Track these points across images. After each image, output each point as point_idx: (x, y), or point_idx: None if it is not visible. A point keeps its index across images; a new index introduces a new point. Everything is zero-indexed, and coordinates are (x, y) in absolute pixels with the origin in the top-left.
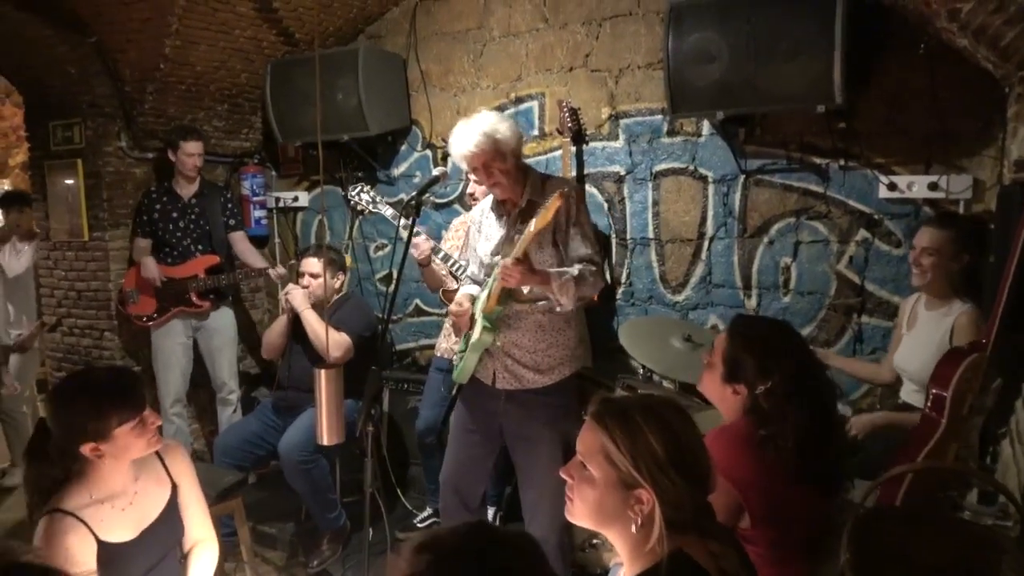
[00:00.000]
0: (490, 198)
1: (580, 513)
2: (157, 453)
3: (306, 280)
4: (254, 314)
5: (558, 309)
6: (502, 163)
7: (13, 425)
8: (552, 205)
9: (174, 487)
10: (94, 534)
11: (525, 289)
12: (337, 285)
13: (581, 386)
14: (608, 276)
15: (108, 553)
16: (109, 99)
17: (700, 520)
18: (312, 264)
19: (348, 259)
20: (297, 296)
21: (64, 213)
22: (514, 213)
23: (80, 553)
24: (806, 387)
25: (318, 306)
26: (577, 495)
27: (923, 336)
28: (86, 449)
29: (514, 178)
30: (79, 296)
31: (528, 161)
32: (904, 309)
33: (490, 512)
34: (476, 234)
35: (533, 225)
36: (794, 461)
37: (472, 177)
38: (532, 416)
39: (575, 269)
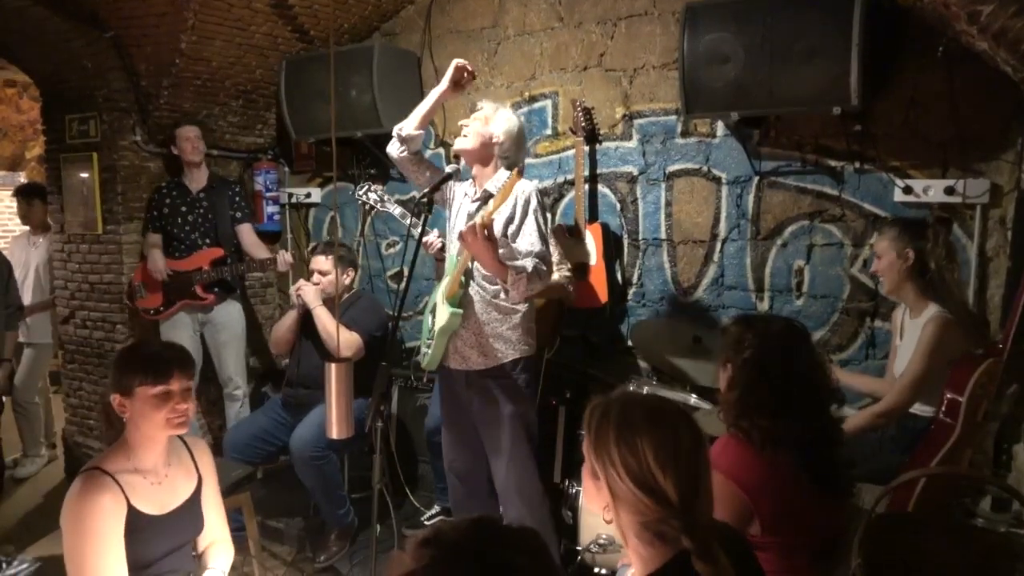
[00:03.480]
0: (468, 184)
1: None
2: (187, 446)
3: (316, 278)
4: (264, 310)
5: (502, 296)
6: (483, 130)
7: (26, 416)
8: (507, 186)
9: (199, 480)
10: (127, 498)
11: (482, 269)
12: (348, 282)
13: (587, 386)
14: (620, 277)
15: (135, 520)
16: (125, 93)
17: (672, 534)
18: (322, 262)
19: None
20: (309, 292)
21: (79, 206)
22: (477, 198)
23: (112, 511)
24: (775, 359)
25: (329, 303)
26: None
27: (908, 344)
28: (115, 400)
29: (485, 156)
30: (92, 288)
31: (541, 160)
32: (895, 320)
33: None
34: (455, 216)
35: (491, 204)
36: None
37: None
38: (487, 399)
39: (530, 265)
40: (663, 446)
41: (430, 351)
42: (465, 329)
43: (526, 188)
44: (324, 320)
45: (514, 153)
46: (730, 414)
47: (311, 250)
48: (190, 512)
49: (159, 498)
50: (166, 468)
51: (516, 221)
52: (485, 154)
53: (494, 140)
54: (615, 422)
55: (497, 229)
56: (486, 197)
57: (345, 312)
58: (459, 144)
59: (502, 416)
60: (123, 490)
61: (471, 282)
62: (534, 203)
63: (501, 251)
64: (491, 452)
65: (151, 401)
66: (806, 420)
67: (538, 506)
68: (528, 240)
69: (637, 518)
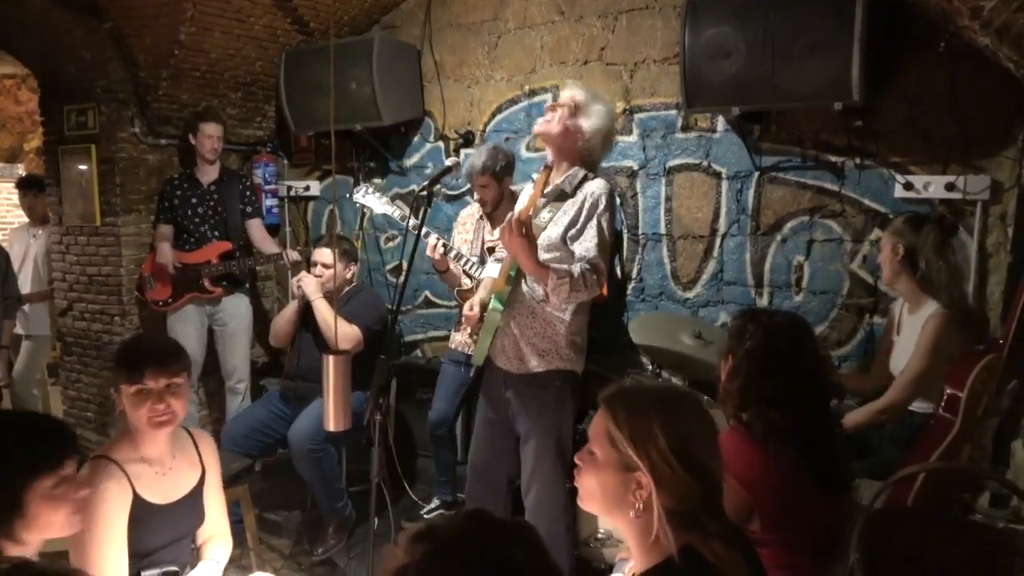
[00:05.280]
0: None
1: (585, 497)
2: (192, 438)
3: (318, 270)
4: (263, 303)
5: (540, 300)
6: (570, 121)
7: (24, 408)
8: (540, 179)
9: (203, 472)
10: (132, 486)
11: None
12: (349, 276)
13: (586, 381)
14: (619, 271)
15: (139, 509)
16: (123, 85)
17: (703, 518)
18: (325, 254)
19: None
20: (309, 284)
21: (77, 198)
22: (548, 193)
23: (117, 499)
24: (775, 349)
25: (330, 296)
26: (582, 478)
27: (907, 340)
28: (114, 394)
29: (566, 148)
30: (91, 281)
31: (540, 154)
32: (892, 314)
33: None
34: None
35: (527, 200)
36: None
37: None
38: (523, 406)
39: (576, 269)
40: (704, 429)
41: (478, 345)
42: (511, 328)
43: (596, 189)
44: (323, 312)
45: (598, 153)
46: (731, 404)
47: (316, 241)
48: (192, 504)
49: (163, 488)
50: (171, 459)
51: (579, 224)
52: (565, 145)
53: (580, 135)
54: (655, 405)
55: (558, 232)
56: (557, 193)
57: (344, 305)
58: (540, 127)
59: (532, 426)
60: (129, 478)
61: (523, 282)
62: (601, 207)
63: (556, 255)
64: (522, 456)
65: (131, 399)
66: (808, 413)
67: (557, 519)
68: (584, 246)
69: (678, 504)
